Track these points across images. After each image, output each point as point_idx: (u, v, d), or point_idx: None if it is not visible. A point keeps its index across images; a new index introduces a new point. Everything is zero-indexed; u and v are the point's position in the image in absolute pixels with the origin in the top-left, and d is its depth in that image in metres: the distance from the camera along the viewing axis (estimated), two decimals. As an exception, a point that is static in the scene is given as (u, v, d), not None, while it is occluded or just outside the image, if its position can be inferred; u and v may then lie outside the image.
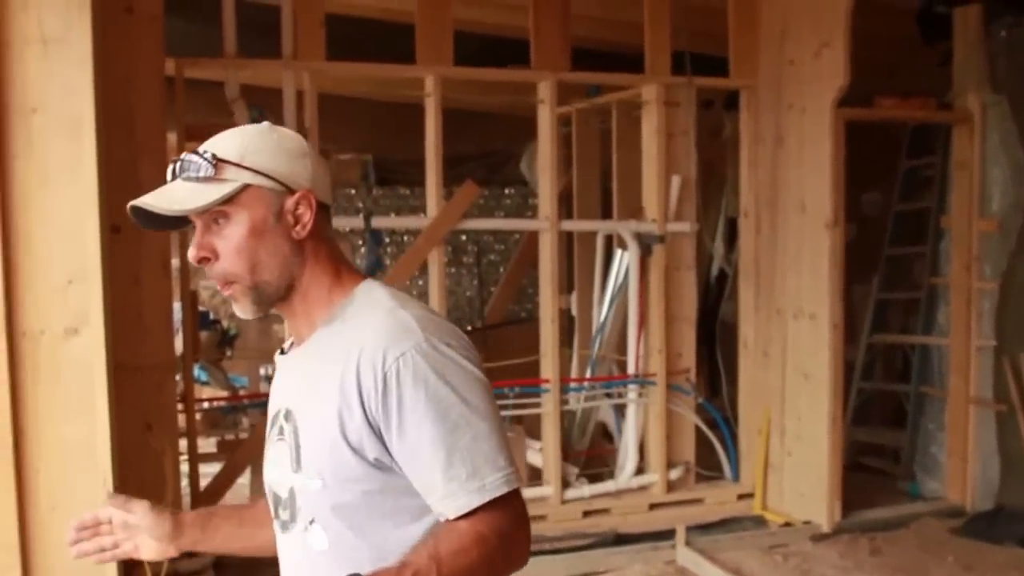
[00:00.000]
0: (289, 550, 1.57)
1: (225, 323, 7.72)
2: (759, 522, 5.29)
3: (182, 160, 1.46)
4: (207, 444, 4.97)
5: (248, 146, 1.48)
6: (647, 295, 5.35)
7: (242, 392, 5.68)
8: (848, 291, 5.23)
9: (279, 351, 1.64)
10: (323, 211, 1.53)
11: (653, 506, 5.29)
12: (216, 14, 4.61)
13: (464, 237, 8.29)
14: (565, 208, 5.59)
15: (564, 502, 5.14)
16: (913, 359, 5.98)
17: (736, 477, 5.58)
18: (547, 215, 5.10)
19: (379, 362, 1.41)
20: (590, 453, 5.64)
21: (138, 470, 4.06)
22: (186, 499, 4.67)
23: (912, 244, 6.03)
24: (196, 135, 4.89)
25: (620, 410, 5.55)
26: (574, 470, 5.38)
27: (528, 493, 5.15)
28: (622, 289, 5.46)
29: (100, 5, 3.72)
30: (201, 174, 1.44)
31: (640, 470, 5.38)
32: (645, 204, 5.37)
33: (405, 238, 8.00)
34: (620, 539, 4.97)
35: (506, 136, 7.72)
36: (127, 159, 4.16)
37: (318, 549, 1.50)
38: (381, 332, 1.44)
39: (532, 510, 5.02)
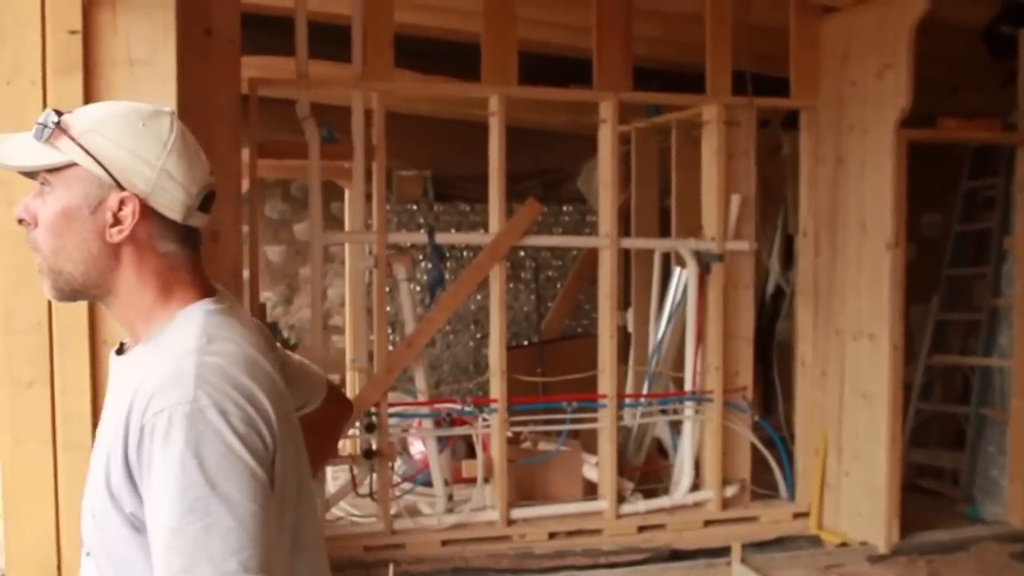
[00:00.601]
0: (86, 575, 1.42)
1: (285, 333, 7.88)
2: (815, 542, 5.29)
3: (43, 116, 1.33)
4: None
5: (99, 125, 1.34)
6: (705, 313, 5.40)
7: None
8: (907, 311, 5.23)
9: (114, 351, 1.47)
10: (163, 224, 1.36)
11: (708, 523, 5.32)
12: (289, 34, 4.74)
13: (522, 253, 8.38)
14: (623, 226, 5.65)
15: (619, 517, 5.19)
16: (973, 381, 5.95)
17: (792, 496, 5.59)
18: (607, 232, 5.18)
19: (141, 410, 1.24)
20: (645, 469, 5.69)
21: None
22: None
23: (972, 265, 6.01)
24: (269, 152, 5.05)
25: (676, 426, 5.60)
26: (629, 485, 5.43)
27: (583, 507, 5.22)
28: (680, 306, 5.51)
29: (182, 28, 3.86)
30: (40, 136, 1.32)
31: (695, 486, 5.41)
32: (704, 223, 5.42)
33: (465, 253, 8.12)
34: (675, 555, 5.01)
35: (563, 154, 7.81)
36: (203, 175, 4.29)
37: None
38: (159, 375, 1.26)
39: (588, 524, 5.11)
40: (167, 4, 3.57)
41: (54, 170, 1.33)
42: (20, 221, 1.37)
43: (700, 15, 5.27)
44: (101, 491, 1.28)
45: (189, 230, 1.39)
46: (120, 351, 1.45)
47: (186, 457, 1.19)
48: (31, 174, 1.37)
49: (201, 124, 4.24)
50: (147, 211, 1.34)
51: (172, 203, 1.35)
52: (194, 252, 1.41)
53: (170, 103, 3.60)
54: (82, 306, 3.41)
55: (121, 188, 1.33)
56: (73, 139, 1.32)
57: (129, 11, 3.55)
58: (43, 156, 1.32)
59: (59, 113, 1.34)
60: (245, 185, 4.70)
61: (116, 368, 1.43)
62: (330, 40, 4.99)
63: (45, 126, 1.32)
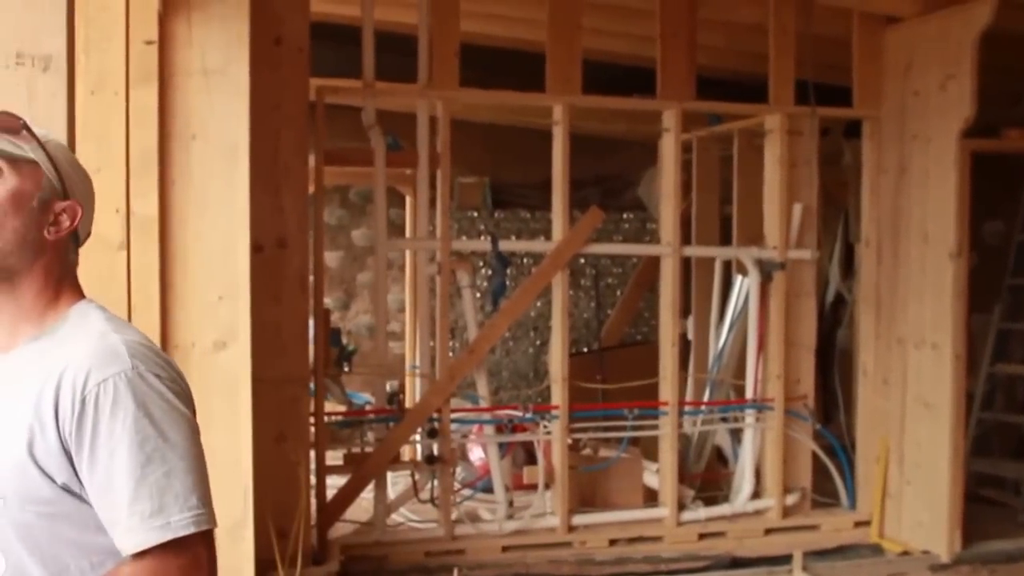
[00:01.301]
0: None
1: (344, 340, 7.96)
2: (876, 550, 5.25)
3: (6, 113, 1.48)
4: (333, 457, 5.15)
5: (53, 140, 1.52)
6: (767, 321, 5.38)
7: (366, 407, 5.85)
8: (969, 320, 5.17)
9: None
10: (73, 238, 1.53)
11: (769, 531, 5.30)
12: (356, 43, 4.82)
13: (582, 260, 8.40)
14: (684, 234, 5.65)
15: (680, 524, 5.18)
16: (1036, 390, 5.87)
17: (853, 504, 5.54)
18: (669, 241, 5.19)
19: (80, 385, 1.37)
20: (706, 476, 5.68)
21: (271, 480, 4.24)
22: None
23: (1035, 274, 5.94)
24: (334, 159, 5.13)
25: (736, 434, 5.59)
26: (690, 492, 5.42)
27: (644, 514, 5.23)
28: (741, 314, 5.51)
29: (252, 37, 3.93)
30: (5, 126, 1.46)
31: (756, 494, 5.39)
32: (766, 231, 5.41)
33: (525, 260, 8.15)
34: (735, 563, 5.00)
35: (622, 161, 7.81)
36: (271, 182, 4.37)
37: None
38: (87, 355, 1.40)
39: (648, 531, 5.08)
40: (241, 15, 3.64)
41: (12, 161, 1.46)
42: None
43: (763, 25, 5.27)
44: (26, 468, 1.38)
45: (79, 245, 1.57)
46: None
47: (137, 416, 1.36)
48: None
49: (269, 131, 4.34)
50: (75, 223, 1.52)
51: (87, 221, 1.56)
52: (76, 264, 1.58)
53: (243, 112, 3.67)
54: (154, 308, 3.51)
55: (66, 198, 1.50)
56: (40, 143, 1.49)
57: (204, 22, 3.63)
58: (4, 144, 1.46)
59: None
60: (310, 191, 4.78)
61: None
62: (395, 54, 5.06)
63: (15, 121, 1.48)
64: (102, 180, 3.31)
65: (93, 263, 3.34)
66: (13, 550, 1.41)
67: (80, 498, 1.40)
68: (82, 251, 3.26)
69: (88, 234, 1.58)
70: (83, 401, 1.36)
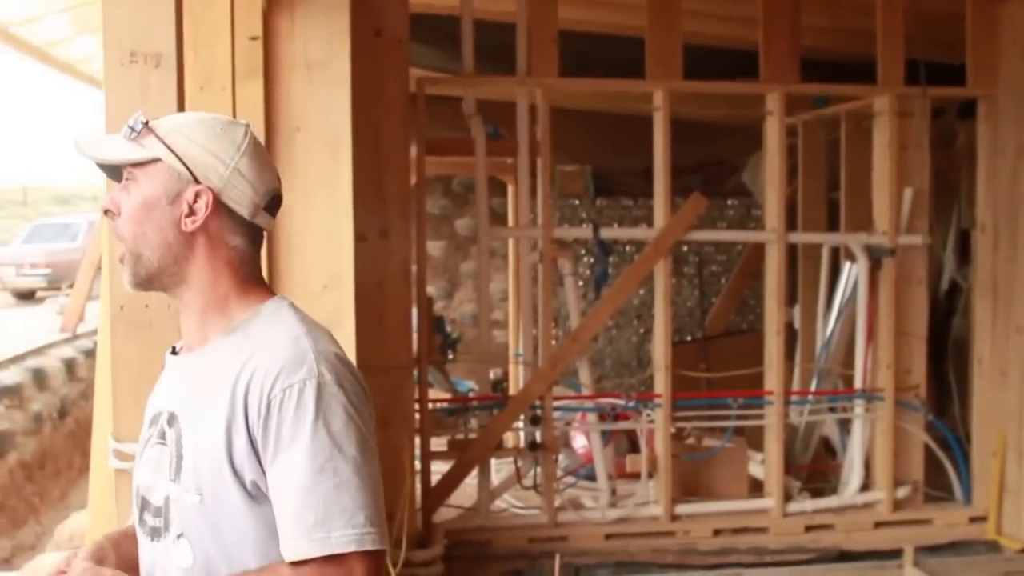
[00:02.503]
0: (155, 559, 1.51)
1: (448, 328, 8.04)
2: (993, 547, 5.07)
3: (132, 119, 1.49)
4: (437, 443, 5.21)
5: (182, 127, 1.49)
6: (876, 309, 5.24)
7: (470, 395, 5.92)
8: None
9: (170, 350, 1.60)
10: (233, 219, 1.49)
11: (878, 524, 5.16)
12: (456, 35, 4.86)
13: (685, 248, 8.33)
14: (790, 220, 5.54)
15: (786, 515, 5.09)
16: None
17: (968, 499, 5.36)
18: (774, 227, 5.09)
19: (268, 387, 1.38)
20: (813, 467, 5.57)
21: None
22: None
23: None
24: (435, 149, 5.18)
25: (845, 425, 5.46)
26: (796, 484, 5.32)
27: (749, 505, 5.15)
28: (849, 302, 5.38)
29: (353, 29, 4.00)
30: (128, 135, 1.48)
31: (865, 487, 5.26)
32: (875, 217, 5.26)
33: (627, 248, 8.11)
34: (843, 556, 4.90)
35: (727, 147, 7.70)
36: (373, 172, 4.44)
37: (182, 565, 1.45)
38: (278, 357, 1.40)
39: (753, 522, 5.02)
40: (342, 8, 3.71)
41: (139, 165, 1.48)
42: (106, 212, 1.52)
43: (870, 3, 5.11)
44: (223, 468, 1.40)
45: (255, 229, 1.53)
46: (175, 352, 1.59)
47: (316, 425, 1.36)
48: (118, 173, 1.53)
49: (370, 123, 4.40)
50: (219, 205, 1.48)
51: (242, 200, 1.50)
52: (258, 252, 1.56)
53: (344, 104, 3.74)
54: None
55: (197, 182, 1.47)
56: (158, 137, 1.48)
57: (306, 16, 3.70)
58: (130, 152, 1.48)
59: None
60: (412, 181, 4.84)
61: (183, 366, 1.55)
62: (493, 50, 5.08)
63: (133, 127, 1.48)
64: (211, 172, 3.43)
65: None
66: (204, 546, 1.44)
67: (265, 499, 1.41)
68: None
69: (260, 207, 1.52)
70: (269, 403, 1.38)
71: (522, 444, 5.10)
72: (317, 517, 1.34)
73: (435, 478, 4.91)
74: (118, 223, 1.50)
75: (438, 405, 5.35)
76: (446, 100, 5.49)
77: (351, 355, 3.61)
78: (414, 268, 4.85)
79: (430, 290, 8.54)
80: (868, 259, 5.21)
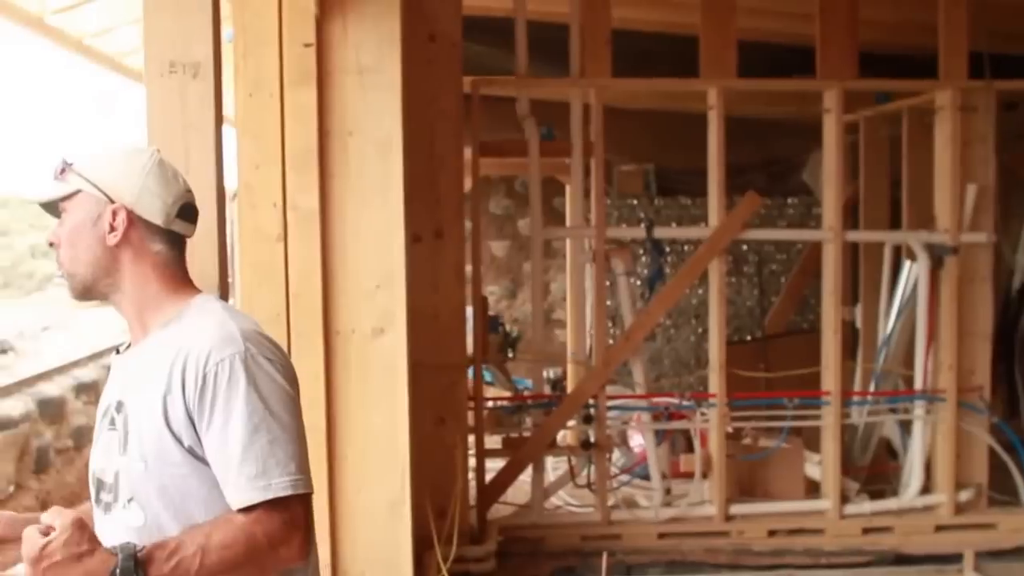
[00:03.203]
0: (109, 530, 1.68)
1: (508, 327, 8.08)
2: (1060, 553, 4.95)
3: (55, 162, 1.74)
4: (492, 441, 5.26)
5: (94, 159, 1.74)
6: (937, 308, 5.15)
7: (526, 393, 5.95)
8: None
9: (115, 351, 1.83)
10: (150, 229, 1.73)
11: (939, 528, 5.06)
12: (509, 36, 4.89)
13: (745, 247, 8.25)
14: (851, 218, 5.48)
15: (843, 517, 5.03)
16: None
17: (1034, 503, 5.25)
18: (831, 226, 5.03)
19: (202, 363, 1.61)
20: (872, 470, 5.48)
21: (430, 460, 4.37)
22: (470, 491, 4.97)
23: None
24: (490, 151, 5.22)
25: (905, 426, 5.37)
26: (854, 486, 5.25)
27: (805, 506, 5.11)
28: (910, 301, 5.29)
29: (407, 35, 4.06)
30: (56, 175, 1.73)
31: (926, 489, 5.17)
32: (937, 214, 5.17)
33: (685, 247, 8.07)
34: (901, 559, 4.83)
35: (789, 144, 7.61)
36: (427, 174, 4.50)
37: (134, 525, 1.65)
38: (208, 338, 1.64)
39: (809, 523, 4.95)
40: (393, 14, 3.77)
41: (67, 199, 1.73)
42: (51, 244, 1.76)
43: (932, -5, 5.03)
44: (163, 435, 1.62)
45: (174, 235, 1.77)
46: (117, 352, 1.82)
47: (248, 390, 1.61)
48: (55, 209, 1.77)
49: (425, 125, 4.46)
50: (135, 218, 1.72)
51: (153, 210, 1.73)
52: (181, 255, 1.79)
53: (396, 108, 3.80)
54: (316, 299, 3.68)
55: (112, 202, 1.71)
56: (77, 173, 1.72)
57: (359, 22, 3.77)
58: (57, 190, 1.74)
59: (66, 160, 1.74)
60: (468, 183, 4.89)
61: (127, 360, 1.77)
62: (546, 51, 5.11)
63: (57, 168, 1.73)
64: (261, 176, 3.53)
65: (254, 254, 3.56)
66: (152, 506, 1.65)
67: (202, 460, 1.63)
68: (243, 243, 3.48)
69: (172, 216, 1.74)
70: (204, 376, 1.61)
71: (576, 442, 5.11)
72: (258, 469, 1.58)
73: (490, 476, 4.96)
74: (59, 252, 1.74)
75: (499, 403, 5.41)
76: (502, 101, 5.53)
77: (403, 353, 3.72)
78: (469, 268, 4.91)
79: (493, 289, 8.62)
80: (929, 257, 5.12)
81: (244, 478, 1.58)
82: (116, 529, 1.67)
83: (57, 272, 1.78)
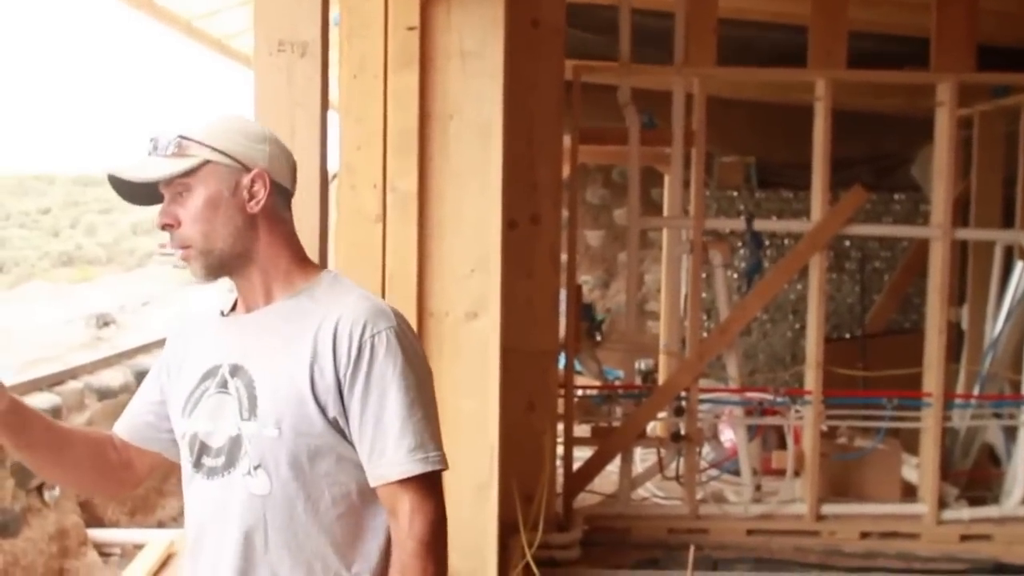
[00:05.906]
0: (214, 494, 1.65)
1: (599, 315, 8.04)
2: None
3: (154, 138, 1.64)
4: (581, 429, 5.26)
5: (211, 128, 1.66)
6: (1049, 312, 4.96)
7: (616, 383, 5.93)
8: None
9: (219, 312, 1.76)
10: (279, 193, 1.69)
11: (1044, 539, 4.90)
12: (613, 24, 4.86)
13: (848, 243, 8.07)
14: (961, 216, 5.31)
15: (940, 523, 4.89)
16: None
17: None
18: (939, 223, 4.89)
19: (357, 333, 1.59)
20: (973, 475, 5.32)
21: (518, 446, 4.38)
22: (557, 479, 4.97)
23: None
24: (590, 138, 5.20)
25: (1009, 432, 5.19)
26: (953, 491, 5.10)
27: (900, 509, 4.99)
28: (1020, 303, 5.11)
29: (510, 20, 4.06)
30: (168, 151, 1.62)
31: (1029, 498, 5.00)
32: (1052, 214, 4.98)
33: (785, 241, 7.93)
34: (1000, 568, 4.66)
35: (898, 139, 7.41)
36: (525, 160, 4.50)
37: (258, 493, 1.62)
38: (360, 309, 1.62)
39: (904, 527, 4.82)
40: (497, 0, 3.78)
41: (188, 174, 1.63)
42: (164, 227, 1.66)
43: (1055, -14, 4.84)
44: (306, 404, 1.60)
45: (291, 199, 1.74)
46: (223, 314, 1.76)
47: (404, 366, 1.61)
48: (145, 195, 1.69)
49: (524, 111, 4.46)
50: (272, 184, 1.67)
51: (284, 174, 1.71)
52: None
53: (497, 93, 3.80)
54: (412, 281, 3.71)
55: (248, 169, 1.65)
56: (200, 143, 1.64)
57: (462, 6, 3.78)
58: (177, 165, 1.63)
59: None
60: (567, 171, 4.87)
61: (240, 324, 1.72)
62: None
63: (170, 143, 1.63)
64: (362, 157, 3.57)
65: (352, 234, 3.62)
66: (281, 476, 1.62)
67: (342, 433, 1.62)
68: (342, 223, 3.53)
69: (295, 177, 1.74)
70: (360, 347, 1.59)
71: (666, 434, 5.07)
72: (416, 442, 1.59)
73: (579, 464, 4.95)
74: (178, 232, 1.65)
75: (589, 392, 5.39)
76: (603, 89, 5.50)
77: (496, 338, 3.73)
78: (565, 256, 4.89)
79: (586, 279, 8.59)
80: (1041, 258, 4.95)
81: (404, 451, 1.59)
82: (231, 496, 1.64)
83: (169, 251, 1.73)
